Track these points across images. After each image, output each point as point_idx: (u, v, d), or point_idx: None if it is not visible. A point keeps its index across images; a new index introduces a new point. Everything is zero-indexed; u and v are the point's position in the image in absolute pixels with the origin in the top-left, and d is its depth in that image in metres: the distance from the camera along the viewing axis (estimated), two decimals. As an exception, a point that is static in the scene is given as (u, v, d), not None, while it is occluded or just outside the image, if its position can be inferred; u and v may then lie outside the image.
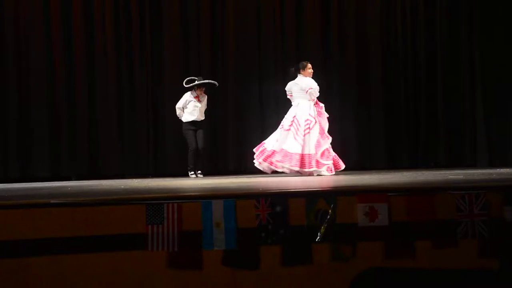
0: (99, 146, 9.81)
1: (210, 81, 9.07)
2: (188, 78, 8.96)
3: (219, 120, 10.00)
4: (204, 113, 9.06)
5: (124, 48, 9.96)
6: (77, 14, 9.77)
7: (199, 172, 8.94)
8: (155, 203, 3.86)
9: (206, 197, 3.96)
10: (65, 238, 3.76)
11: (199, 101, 8.99)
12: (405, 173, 7.84)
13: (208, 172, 9.28)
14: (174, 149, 9.97)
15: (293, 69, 8.05)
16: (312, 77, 8.00)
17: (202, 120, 9.03)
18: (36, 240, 3.74)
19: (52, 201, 3.84)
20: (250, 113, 10.22)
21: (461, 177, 6.06)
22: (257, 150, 7.97)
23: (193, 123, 8.96)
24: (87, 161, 9.72)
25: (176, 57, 10.12)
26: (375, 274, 3.91)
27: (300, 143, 7.62)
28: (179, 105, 9.02)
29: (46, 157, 9.57)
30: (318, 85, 7.93)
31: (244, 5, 10.31)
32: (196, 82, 8.93)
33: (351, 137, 10.20)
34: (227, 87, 9.99)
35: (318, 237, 3.88)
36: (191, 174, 8.91)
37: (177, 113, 9.04)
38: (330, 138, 7.87)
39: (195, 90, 8.99)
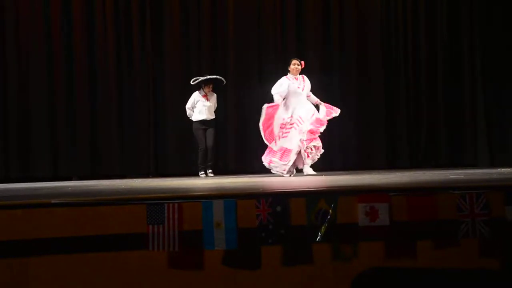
0: (100, 146, 9.82)
1: (216, 76, 9.09)
2: (195, 78, 9.01)
3: (219, 119, 9.99)
4: (214, 112, 9.11)
5: (124, 48, 9.98)
6: (77, 15, 9.78)
7: (209, 171, 9.01)
8: (156, 203, 3.86)
9: (207, 197, 3.96)
10: (65, 238, 3.76)
11: (208, 99, 9.01)
12: (405, 173, 7.83)
13: (207, 172, 9.30)
14: (175, 149, 9.99)
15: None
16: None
17: (212, 119, 9.09)
18: (37, 240, 3.73)
19: (52, 201, 3.83)
20: (250, 112, 10.20)
21: (462, 177, 6.06)
22: None
23: (202, 122, 9.03)
24: (88, 161, 9.73)
25: (176, 57, 10.12)
26: (375, 274, 3.90)
27: None
28: (188, 105, 9.08)
29: (47, 157, 9.58)
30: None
31: (244, 5, 10.31)
32: (202, 78, 8.95)
33: (351, 137, 10.20)
34: (227, 87, 9.98)
35: (319, 237, 3.88)
36: (201, 174, 8.94)
37: (187, 113, 9.11)
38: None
39: (202, 89, 9.02)
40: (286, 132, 7.69)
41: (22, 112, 9.58)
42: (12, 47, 9.59)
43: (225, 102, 10.11)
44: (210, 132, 9.04)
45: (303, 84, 7.89)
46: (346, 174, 7.89)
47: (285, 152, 7.62)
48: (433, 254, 3.93)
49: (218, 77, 9.10)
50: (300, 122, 7.68)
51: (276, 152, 7.67)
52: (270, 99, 9.88)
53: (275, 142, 7.66)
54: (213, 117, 9.12)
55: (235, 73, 10.21)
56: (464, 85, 10.59)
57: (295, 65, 7.92)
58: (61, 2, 9.73)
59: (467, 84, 10.58)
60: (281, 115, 7.73)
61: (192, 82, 8.97)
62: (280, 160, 7.63)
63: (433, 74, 10.60)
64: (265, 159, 7.78)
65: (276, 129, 7.68)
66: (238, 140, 10.20)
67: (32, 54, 9.64)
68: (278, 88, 7.86)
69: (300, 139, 7.57)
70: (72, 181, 8.71)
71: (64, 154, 9.68)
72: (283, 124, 7.71)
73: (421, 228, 3.94)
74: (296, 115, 7.71)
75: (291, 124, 7.70)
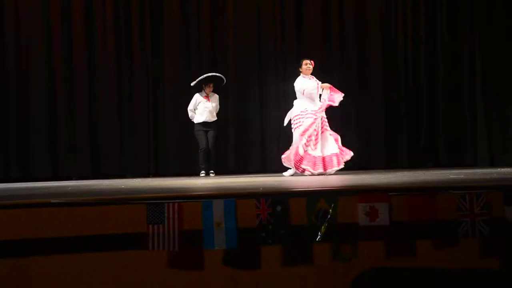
0: (100, 146, 9.82)
1: (214, 73, 9.08)
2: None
3: (219, 119, 9.99)
4: (216, 114, 9.12)
5: (124, 48, 9.97)
6: (77, 14, 9.77)
7: (211, 172, 9.01)
8: (156, 202, 3.86)
9: (207, 197, 3.96)
10: (65, 238, 3.76)
11: (209, 100, 9.02)
12: (405, 172, 7.83)
13: (207, 172, 9.29)
14: (175, 149, 9.98)
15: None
16: (312, 75, 8.03)
17: (213, 121, 9.08)
18: (36, 240, 3.74)
19: (52, 201, 3.83)
20: (250, 112, 10.22)
21: (462, 176, 6.06)
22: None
23: (204, 124, 9.02)
24: (88, 161, 9.73)
25: (176, 57, 10.12)
26: (375, 274, 3.90)
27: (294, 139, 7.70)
28: (190, 107, 9.09)
29: (46, 157, 9.57)
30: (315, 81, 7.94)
31: (244, 5, 10.31)
32: (201, 77, 8.94)
33: (351, 137, 10.19)
34: (227, 87, 9.99)
35: (319, 237, 3.88)
36: (201, 174, 8.96)
37: (189, 115, 9.11)
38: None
39: (204, 90, 9.01)
40: (316, 138, 7.65)
41: (22, 112, 9.57)
42: (12, 46, 9.58)
43: (225, 102, 10.10)
44: (211, 134, 9.03)
45: (316, 84, 7.90)
46: (346, 174, 7.88)
47: (337, 155, 7.69)
48: (432, 254, 3.94)
49: (217, 74, 9.09)
50: (327, 123, 7.77)
51: (326, 156, 7.64)
52: (272, 99, 9.97)
53: (312, 148, 7.60)
54: (215, 118, 9.11)
55: (235, 73, 10.20)
56: (464, 85, 10.59)
57: (307, 65, 7.91)
58: (60, 2, 9.73)
59: (467, 84, 10.58)
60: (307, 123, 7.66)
61: (192, 84, 8.96)
62: (339, 165, 7.68)
63: (433, 74, 10.60)
64: (316, 169, 7.56)
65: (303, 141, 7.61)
66: (238, 140, 10.19)
67: (31, 54, 9.64)
68: (302, 85, 7.77)
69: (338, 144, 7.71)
70: (72, 181, 8.71)
71: (64, 154, 9.67)
72: (315, 130, 7.65)
73: (421, 228, 3.94)
74: (319, 117, 7.72)
75: (324, 127, 7.73)
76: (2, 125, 9.51)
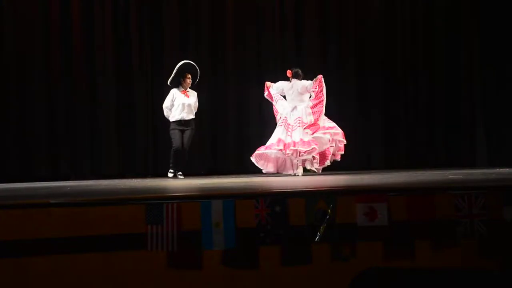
0: (99, 146, 9.81)
1: (185, 61, 8.59)
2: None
3: (219, 120, 9.99)
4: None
5: (124, 48, 9.96)
6: (76, 14, 9.76)
7: (179, 173, 8.55)
8: (155, 203, 3.86)
9: (206, 197, 3.97)
10: (65, 238, 3.76)
11: (188, 96, 8.51)
12: (404, 173, 7.84)
13: (208, 172, 9.28)
14: (174, 149, 9.98)
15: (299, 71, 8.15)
16: (310, 77, 8.10)
17: (191, 119, 8.54)
18: (36, 240, 3.74)
19: (51, 201, 3.84)
20: (250, 112, 10.21)
21: (461, 177, 6.07)
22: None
23: (180, 122, 8.47)
24: (87, 161, 9.72)
25: (175, 58, 10.08)
26: (374, 274, 3.91)
27: None
28: (166, 103, 8.56)
29: (46, 156, 9.56)
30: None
31: (244, 5, 10.32)
32: (174, 72, 8.47)
33: (350, 137, 10.18)
34: (227, 87, 9.99)
35: (318, 237, 3.88)
36: (169, 174, 8.58)
37: (165, 114, 8.61)
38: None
39: (181, 85, 8.56)
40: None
41: (22, 112, 9.56)
42: (11, 47, 9.58)
43: (224, 102, 10.11)
44: (188, 133, 8.51)
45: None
46: (345, 174, 7.89)
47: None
48: (431, 254, 3.94)
49: (185, 62, 8.56)
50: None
51: None
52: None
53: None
54: (193, 116, 8.58)
55: (235, 73, 10.20)
56: (464, 84, 10.60)
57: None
58: (59, 6, 9.72)
59: (466, 84, 10.59)
60: None
61: (169, 83, 8.57)
62: None
63: (432, 74, 10.61)
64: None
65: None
66: (238, 140, 10.19)
67: (31, 53, 9.62)
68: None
69: None
70: (71, 181, 8.70)
71: (63, 154, 9.66)
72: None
73: (419, 228, 3.95)
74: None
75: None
76: (1, 124, 9.50)
